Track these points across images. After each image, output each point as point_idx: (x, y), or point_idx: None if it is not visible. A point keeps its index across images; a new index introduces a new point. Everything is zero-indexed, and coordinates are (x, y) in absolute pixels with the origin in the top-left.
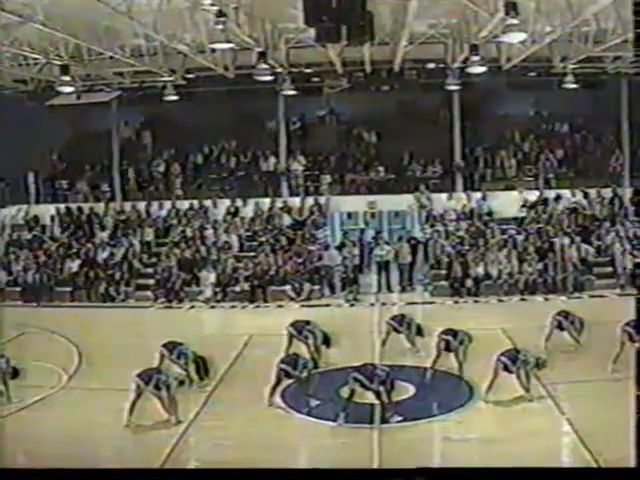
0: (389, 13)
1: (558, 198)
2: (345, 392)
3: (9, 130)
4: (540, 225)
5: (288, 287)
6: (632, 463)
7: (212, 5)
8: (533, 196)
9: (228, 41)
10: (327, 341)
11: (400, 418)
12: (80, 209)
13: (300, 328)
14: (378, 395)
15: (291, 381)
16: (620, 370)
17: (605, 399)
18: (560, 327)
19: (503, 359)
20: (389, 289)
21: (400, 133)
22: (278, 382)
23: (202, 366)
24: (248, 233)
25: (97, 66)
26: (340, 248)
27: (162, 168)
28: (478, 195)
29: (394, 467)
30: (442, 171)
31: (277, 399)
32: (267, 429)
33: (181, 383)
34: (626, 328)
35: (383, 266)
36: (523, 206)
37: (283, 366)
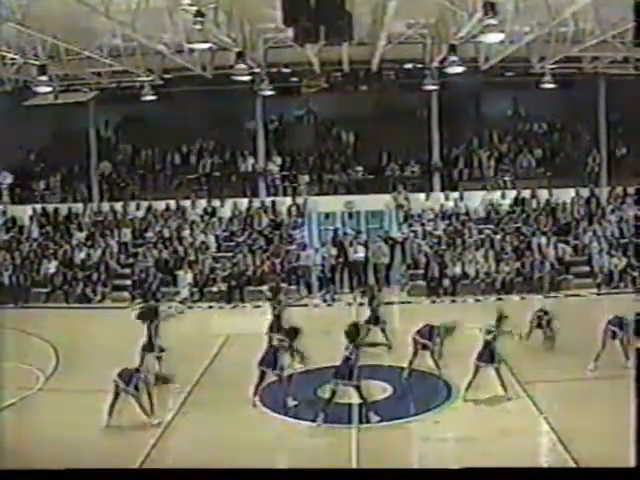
0: (368, 13)
1: (535, 197)
2: (324, 391)
3: None
4: (517, 224)
5: (265, 287)
6: (631, 463)
7: (191, 5)
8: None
9: (206, 41)
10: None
11: (378, 418)
12: (57, 210)
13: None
14: (358, 389)
15: (270, 381)
16: (599, 369)
17: (584, 398)
18: (539, 325)
19: (481, 364)
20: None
21: (378, 133)
22: (261, 381)
23: None
24: (226, 233)
25: (75, 66)
26: (318, 250)
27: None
28: (456, 195)
29: (372, 467)
30: (420, 171)
31: (255, 399)
32: (245, 429)
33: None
34: (609, 327)
35: (360, 266)
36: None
37: (263, 366)
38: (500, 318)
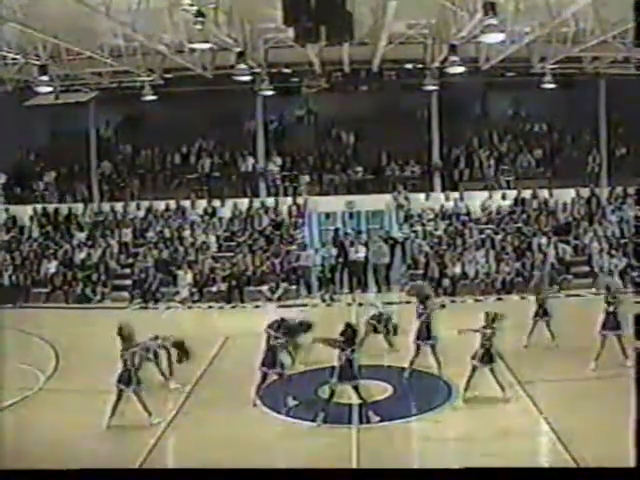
0: (368, 13)
1: (536, 198)
2: (324, 392)
3: None
4: (518, 225)
5: (265, 287)
6: (631, 463)
7: (191, 5)
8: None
9: (207, 41)
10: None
11: (378, 418)
12: (57, 210)
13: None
14: (356, 389)
15: (270, 381)
16: (600, 369)
17: (584, 398)
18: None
19: (477, 364)
20: (364, 289)
21: (378, 133)
22: (263, 381)
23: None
24: (226, 233)
25: (75, 66)
26: (318, 250)
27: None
28: (456, 195)
29: (372, 467)
30: (420, 171)
31: (256, 399)
32: (245, 429)
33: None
34: (604, 332)
35: (360, 266)
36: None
37: (264, 366)
38: (494, 319)
